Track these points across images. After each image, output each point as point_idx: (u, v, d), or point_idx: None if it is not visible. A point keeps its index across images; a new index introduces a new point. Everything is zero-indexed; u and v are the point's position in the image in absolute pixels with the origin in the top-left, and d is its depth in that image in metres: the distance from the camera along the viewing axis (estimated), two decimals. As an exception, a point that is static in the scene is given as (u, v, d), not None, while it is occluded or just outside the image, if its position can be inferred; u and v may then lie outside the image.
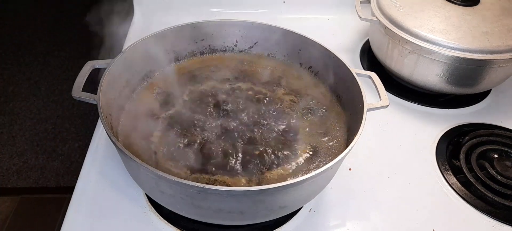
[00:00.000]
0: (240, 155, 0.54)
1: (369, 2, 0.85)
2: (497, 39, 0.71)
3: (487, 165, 0.66)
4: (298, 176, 0.52)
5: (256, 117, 0.59)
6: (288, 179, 0.52)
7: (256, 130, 0.57)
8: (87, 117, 1.92)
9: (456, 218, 0.60)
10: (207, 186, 0.42)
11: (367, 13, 0.83)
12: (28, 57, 2.26)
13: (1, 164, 1.72)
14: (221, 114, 0.59)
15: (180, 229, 0.56)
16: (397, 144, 0.72)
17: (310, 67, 0.70)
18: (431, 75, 0.76)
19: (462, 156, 0.68)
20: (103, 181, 0.61)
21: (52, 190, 1.65)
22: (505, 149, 0.69)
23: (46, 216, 1.52)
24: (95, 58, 0.60)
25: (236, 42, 0.73)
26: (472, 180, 0.64)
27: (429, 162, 0.68)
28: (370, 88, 0.61)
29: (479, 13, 0.76)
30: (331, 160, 0.46)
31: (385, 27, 0.77)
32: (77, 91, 0.54)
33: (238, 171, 0.52)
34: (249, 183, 0.51)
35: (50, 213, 1.51)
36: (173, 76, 0.66)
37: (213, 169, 0.52)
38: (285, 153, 0.55)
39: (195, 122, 0.57)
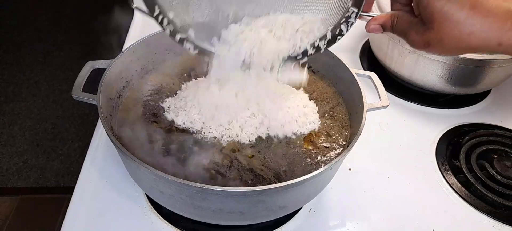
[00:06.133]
0: (239, 155, 0.54)
1: (369, 2, 0.85)
2: (497, 39, 0.71)
3: (487, 165, 0.66)
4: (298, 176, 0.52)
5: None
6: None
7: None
8: (87, 117, 1.92)
9: (456, 218, 0.60)
10: (207, 186, 0.42)
11: (367, 13, 0.83)
12: (28, 57, 2.26)
13: (1, 164, 1.72)
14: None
15: (180, 229, 0.56)
16: (397, 144, 0.72)
17: (310, 67, 0.70)
18: (431, 76, 0.76)
19: (462, 156, 0.68)
20: (103, 181, 0.61)
21: (52, 190, 1.65)
22: (505, 149, 0.69)
23: (46, 216, 1.52)
24: (95, 58, 0.60)
25: (236, 42, 0.73)
26: (472, 180, 0.64)
27: (429, 162, 0.68)
28: (370, 88, 0.61)
29: (479, 13, 0.76)
30: (331, 160, 0.46)
31: (385, 27, 0.77)
32: (77, 91, 0.54)
33: (240, 172, 0.52)
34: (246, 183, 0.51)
35: (50, 213, 1.51)
36: (173, 76, 0.66)
37: (216, 166, 0.52)
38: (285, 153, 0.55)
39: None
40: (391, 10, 0.44)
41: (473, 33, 0.33)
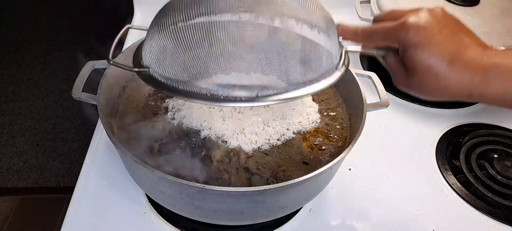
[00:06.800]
0: (239, 153, 0.54)
1: (369, 2, 0.85)
2: (497, 39, 0.71)
3: (487, 165, 0.66)
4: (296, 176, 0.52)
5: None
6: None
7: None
8: (87, 117, 1.91)
9: (456, 218, 0.60)
10: (207, 186, 0.42)
11: (367, 13, 0.83)
12: (28, 57, 2.26)
13: (1, 164, 1.72)
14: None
15: (180, 229, 0.56)
16: (397, 144, 0.72)
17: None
18: (431, 75, 0.75)
19: (462, 156, 0.68)
20: (103, 181, 0.61)
21: (52, 190, 1.65)
22: (505, 149, 0.69)
23: (46, 216, 1.52)
24: (95, 58, 0.60)
25: (236, 42, 0.73)
26: (472, 180, 0.64)
27: (429, 162, 0.68)
28: (370, 88, 0.61)
29: (479, 13, 0.76)
30: (331, 160, 0.46)
31: (385, 27, 0.77)
32: (77, 91, 0.54)
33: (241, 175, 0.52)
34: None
35: (50, 213, 1.51)
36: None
37: (214, 165, 0.52)
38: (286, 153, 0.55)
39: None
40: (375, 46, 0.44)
41: (449, 86, 0.36)
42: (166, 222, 0.56)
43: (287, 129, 0.57)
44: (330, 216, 0.59)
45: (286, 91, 0.39)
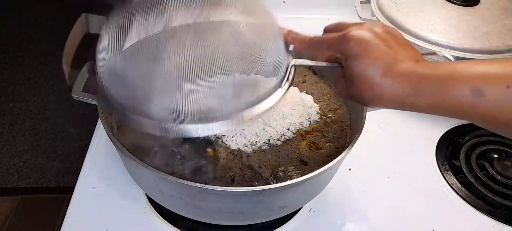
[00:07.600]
0: (244, 158, 0.54)
1: (369, 2, 0.85)
2: (497, 39, 0.71)
3: (487, 165, 0.66)
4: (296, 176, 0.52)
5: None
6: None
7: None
8: (87, 117, 1.92)
9: (456, 218, 0.60)
10: (207, 186, 0.42)
11: (367, 13, 0.83)
12: (28, 57, 2.26)
13: (1, 164, 1.72)
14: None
15: (180, 229, 0.56)
16: (397, 144, 0.72)
17: (310, 67, 0.70)
18: (431, 75, 0.76)
19: (462, 156, 0.68)
20: (103, 181, 0.61)
21: (52, 190, 1.65)
22: (505, 149, 0.69)
23: (46, 216, 1.52)
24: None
25: (236, 42, 0.73)
26: (472, 180, 0.64)
27: (429, 162, 0.69)
28: (370, 88, 0.61)
29: (479, 13, 0.76)
30: (331, 160, 0.46)
31: (385, 27, 0.77)
32: (77, 91, 0.54)
33: (243, 172, 0.52)
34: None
35: (50, 213, 1.51)
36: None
37: (214, 164, 0.52)
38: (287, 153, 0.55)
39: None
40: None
41: (383, 95, 0.38)
42: (166, 222, 0.56)
43: (288, 129, 0.57)
44: (330, 216, 0.59)
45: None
